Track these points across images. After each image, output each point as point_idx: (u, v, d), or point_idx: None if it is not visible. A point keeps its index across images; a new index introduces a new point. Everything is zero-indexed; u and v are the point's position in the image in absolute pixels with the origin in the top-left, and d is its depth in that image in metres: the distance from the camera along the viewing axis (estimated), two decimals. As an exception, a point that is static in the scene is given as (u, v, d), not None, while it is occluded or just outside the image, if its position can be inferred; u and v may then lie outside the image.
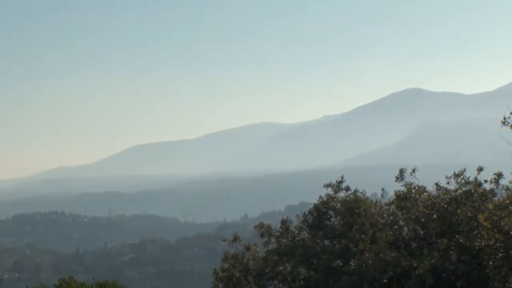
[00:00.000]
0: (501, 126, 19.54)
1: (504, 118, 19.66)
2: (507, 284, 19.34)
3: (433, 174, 24.26)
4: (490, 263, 19.60)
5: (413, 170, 22.65)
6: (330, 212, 22.76)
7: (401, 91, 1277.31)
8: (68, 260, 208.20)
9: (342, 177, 22.84)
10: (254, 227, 23.68)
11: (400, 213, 22.44)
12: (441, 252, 20.79)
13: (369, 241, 22.01)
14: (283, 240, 22.75)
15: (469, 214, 21.23)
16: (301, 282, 22.64)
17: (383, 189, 23.52)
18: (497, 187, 22.33)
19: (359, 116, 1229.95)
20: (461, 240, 21.01)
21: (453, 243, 20.91)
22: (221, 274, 22.91)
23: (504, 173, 22.40)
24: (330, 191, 22.89)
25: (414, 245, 21.87)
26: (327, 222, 22.81)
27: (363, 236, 22.17)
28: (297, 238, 23.09)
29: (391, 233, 22.27)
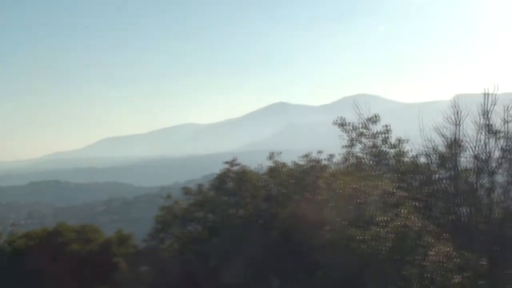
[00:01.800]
0: (333, 125, 29.90)
1: (335, 121, 30.02)
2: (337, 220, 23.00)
3: (293, 155, 31.45)
4: (326, 209, 24.30)
5: (279, 153, 31.27)
6: (227, 179, 31.66)
7: (277, 103, 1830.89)
8: (63, 211, 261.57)
9: (235, 158, 32.07)
10: (181, 189, 32.72)
11: (271, 180, 30.37)
12: (296, 202, 27.44)
13: (250, 197, 30.75)
14: (198, 197, 31.79)
15: (313, 179, 27.95)
16: (209, 224, 31.58)
17: (260, 165, 32.42)
18: (330, 162, 30.30)
19: (249, 119, 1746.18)
20: (308, 196, 26.67)
21: (303, 197, 27.11)
22: (159, 218, 31.95)
23: (335, 154, 30.10)
24: (228, 166, 31.92)
25: (280, 199, 29.12)
26: (226, 185, 31.64)
27: (247, 194, 31.02)
28: (207, 196, 31.92)
29: (265, 192, 30.73)
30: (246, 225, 28.73)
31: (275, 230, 27.20)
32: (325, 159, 30.31)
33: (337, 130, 29.75)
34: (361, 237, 21.13)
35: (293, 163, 30.50)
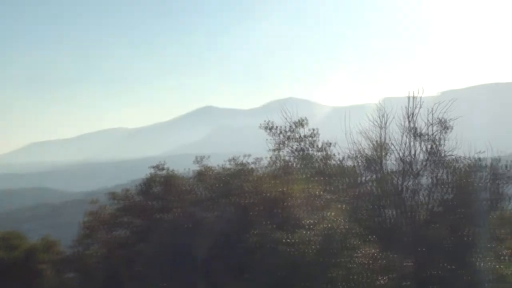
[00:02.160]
0: (260, 128, 30.01)
1: (262, 124, 30.18)
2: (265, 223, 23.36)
3: (221, 159, 31.33)
4: (253, 213, 25.18)
5: (206, 157, 31.02)
6: (154, 183, 31.34)
7: (205, 107, 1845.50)
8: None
9: (162, 162, 31.76)
10: (108, 194, 32.21)
11: (198, 184, 29.98)
12: (223, 206, 27.23)
13: (177, 201, 30.54)
14: (125, 201, 31.38)
15: (240, 183, 27.51)
16: (136, 229, 31.24)
17: (188, 169, 32.16)
18: (257, 166, 29.84)
19: (177, 123, 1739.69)
20: (235, 199, 26.60)
21: (230, 201, 26.92)
22: (85, 224, 31.43)
23: (263, 157, 30.07)
24: (155, 170, 31.68)
25: (207, 203, 28.65)
26: (153, 190, 31.39)
27: (174, 198, 30.52)
28: (134, 200, 31.58)
29: (192, 196, 29.43)
30: (173, 230, 28.40)
31: (202, 234, 26.99)
32: (252, 163, 30.27)
33: (265, 133, 29.89)
34: (288, 240, 21.27)
35: (220, 167, 30.33)
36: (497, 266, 25.78)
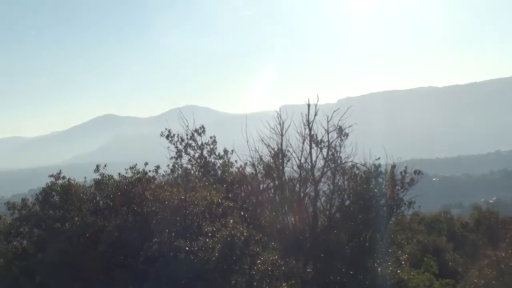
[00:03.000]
0: (160, 137, 29.81)
1: (162, 132, 30.01)
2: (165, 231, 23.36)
3: (121, 168, 31.93)
4: (154, 221, 24.78)
5: (105, 165, 31.11)
6: (53, 192, 30.72)
7: (104, 115, 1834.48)
8: None
9: (60, 171, 31.18)
10: (5, 204, 31.27)
11: (97, 192, 30.29)
12: (123, 215, 26.75)
13: (76, 210, 30.06)
14: (23, 211, 30.54)
15: (140, 191, 27.02)
16: (34, 239, 30.42)
17: (86, 178, 31.81)
18: (157, 174, 29.10)
19: (76, 131, 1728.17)
20: (135, 208, 26.38)
21: (130, 210, 26.63)
22: None
23: (163, 165, 29.76)
24: (53, 179, 31.00)
25: (106, 212, 28.06)
26: (52, 199, 30.67)
27: (73, 207, 30.24)
28: (32, 210, 30.82)
29: (91, 205, 30.39)
30: (72, 239, 27.76)
31: (102, 243, 26.54)
32: (152, 171, 29.96)
33: (165, 141, 29.76)
34: (189, 248, 21.17)
35: (120, 175, 29.95)
36: (396, 271, 26.42)
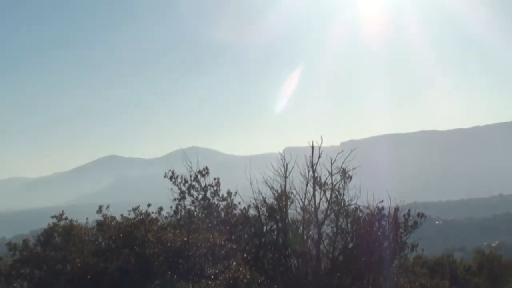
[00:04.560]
0: (163, 178, 29.82)
1: (165, 173, 30.06)
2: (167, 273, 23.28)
3: (124, 209, 31.87)
4: (156, 263, 24.71)
5: (107, 206, 31.12)
6: (55, 233, 30.70)
7: (108, 156, 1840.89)
8: None
9: (63, 211, 31.20)
10: (6, 245, 31.21)
11: (99, 234, 30.33)
12: (125, 257, 26.67)
13: (78, 252, 29.97)
14: (24, 252, 30.49)
15: (142, 233, 26.85)
16: (35, 280, 30.28)
17: (88, 219, 31.79)
18: (160, 215, 29.43)
19: (79, 172, 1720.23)
20: (137, 249, 26.19)
21: (132, 251, 26.48)
22: None
23: (166, 207, 29.95)
24: (55, 220, 31.01)
25: (108, 253, 27.68)
26: (53, 240, 30.62)
27: (75, 248, 30.16)
28: (33, 251, 30.78)
29: (93, 246, 30.32)
30: (73, 281, 27.69)
31: (104, 285, 26.40)
32: (154, 212, 29.98)
33: (169, 183, 29.79)
34: (191, 291, 20.98)
35: (122, 217, 29.89)
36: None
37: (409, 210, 27.68)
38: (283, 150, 29.08)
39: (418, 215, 27.47)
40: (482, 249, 67.59)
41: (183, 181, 29.56)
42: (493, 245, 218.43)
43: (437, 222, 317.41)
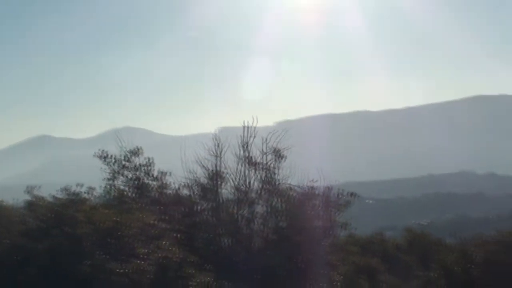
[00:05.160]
0: (94, 157, 29.46)
1: (95, 153, 29.67)
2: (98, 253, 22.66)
3: (54, 189, 30.82)
4: (87, 243, 23.81)
5: (39, 187, 30.42)
6: None
7: (39, 136, 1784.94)
8: None
9: None
10: None
11: (29, 214, 29.49)
12: (55, 237, 25.49)
13: (6, 232, 29.26)
14: None
15: (73, 213, 26.13)
16: None
17: (16, 199, 31.16)
18: (91, 196, 29.76)
19: (7, 153, 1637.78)
20: (67, 229, 25.23)
21: (63, 232, 25.53)
22: None
23: (97, 187, 29.81)
24: None
25: (37, 234, 26.78)
26: None
27: (3, 229, 29.41)
28: None
29: (22, 227, 29.81)
30: (1, 262, 27.12)
31: (33, 265, 25.93)
32: (85, 192, 29.67)
33: (101, 163, 29.47)
34: (122, 270, 20.83)
35: (52, 197, 29.43)
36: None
37: (341, 190, 27.94)
38: (217, 130, 29.06)
39: (350, 194, 27.75)
40: (413, 227, 68.90)
41: (115, 161, 29.16)
42: (424, 223, 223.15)
43: (369, 201, 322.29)
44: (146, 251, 21.56)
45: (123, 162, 29.08)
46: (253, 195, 27.18)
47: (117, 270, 20.91)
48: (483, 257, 31.10)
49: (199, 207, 27.75)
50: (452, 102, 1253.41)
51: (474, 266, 31.08)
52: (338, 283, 28.59)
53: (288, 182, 27.39)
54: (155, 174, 29.12)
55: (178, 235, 24.26)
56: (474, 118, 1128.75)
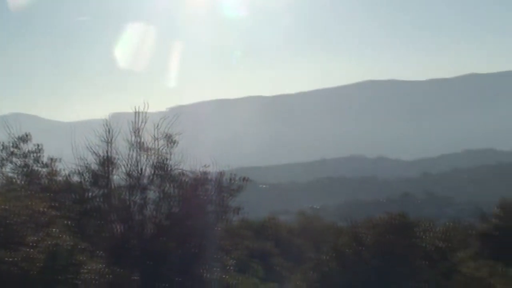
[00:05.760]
0: None
1: None
2: None
3: None
4: None
5: None
6: None
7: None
8: None
9: None
10: None
11: None
12: None
13: None
14: None
15: None
16: None
17: None
18: None
19: None
20: None
21: None
22: None
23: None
24: None
25: None
26: None
27: None
28: None
29: None
30: None
31: None
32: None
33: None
34: (10, 259, 20.41)
35: None
36: (223, 276, 26.93)
37: (234, 175, 28.27)
38: (109, 116, 28.85)
39: (242, 179, 28.12)
40: (305, 211, 70.47)
41: (3, 148, 28.61)
42: (316, 207, 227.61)
43: (262, 186, 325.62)
44: (36, 238, 21.25)
45: (12, 149, 28.50)
46: (145, 181, 27.16)
47: (6, 259, 20.45)
48: (373, 239, 32.20)
49: (90, 194, 27.50)
50: (342, 87, 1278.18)
51: (364, 247, 32.13)
52: (231, 267, 29.01)
53: (181, 167, 27.52)
54: (45, 160, 28.71)
55: (69, 222, 24.09)
56: (364, 103, 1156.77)
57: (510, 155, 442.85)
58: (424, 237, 32.41)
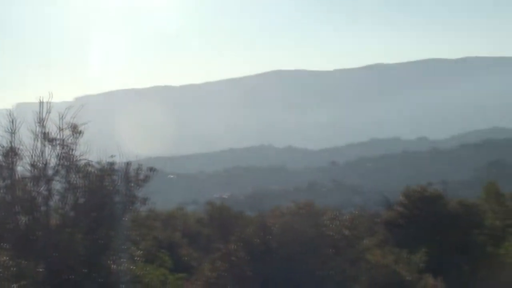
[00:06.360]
0: None
1: None
2: None
3: None
4: None
5: None
6: None
7: None
8: None
9: None
10: None
11: None
12: None
13: None
14: None
15: None
16: None
17: None
18: None
19: None
20: None
21: None
22: None
23: None
24: None
25: None
26: None
27: None
28: None
29: None
30: None
31: None
32: None
33: None
34: None
35: None
36: (131, 267, 26.94)
37: (140, 165, 28.28)
38: (14, 106, 28.43)
39: (149, 169, 28.15)
40: (214, 201, 70.80)
41: None
42: (225, 197, 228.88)
43: (170, 176, 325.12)
44: None
45: None
46: (50, 171, 26.84)
47: None
48: (280, 227, 32.75)
49: (-8, 186, 26.99)
50: (249, 77, 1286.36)
51: (272, 236, 32.63)
52: (139, 258, 29.02)
53: (87, 158, 27.33)
54: None
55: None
56: (271, 93, 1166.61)
57: (415, 143, 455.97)
58: (331, 225, 33.06)
